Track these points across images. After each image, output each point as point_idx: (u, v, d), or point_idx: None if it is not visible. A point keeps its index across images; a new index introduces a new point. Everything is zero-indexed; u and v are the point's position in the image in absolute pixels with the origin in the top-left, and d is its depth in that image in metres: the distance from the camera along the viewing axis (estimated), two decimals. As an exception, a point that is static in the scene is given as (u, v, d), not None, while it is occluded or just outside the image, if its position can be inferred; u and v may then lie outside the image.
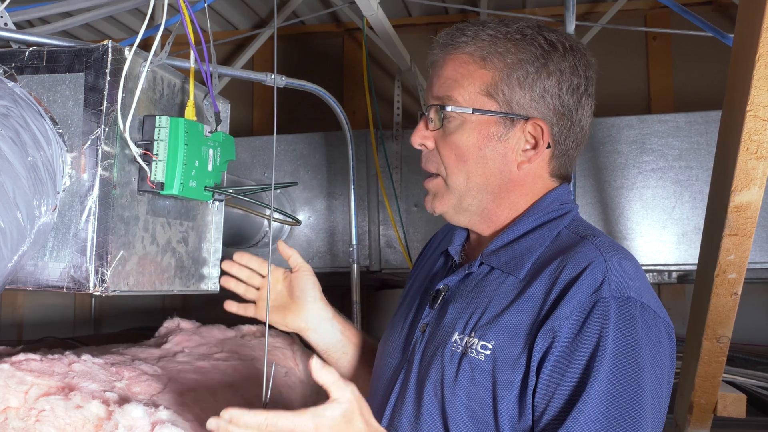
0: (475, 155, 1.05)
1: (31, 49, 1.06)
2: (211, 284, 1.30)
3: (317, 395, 1.58)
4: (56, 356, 1.21)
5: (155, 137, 1.06)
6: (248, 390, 1.36)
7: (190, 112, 1.11)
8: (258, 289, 1.29)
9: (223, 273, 1.29)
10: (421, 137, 1.10)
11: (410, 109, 2.97)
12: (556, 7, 3.10)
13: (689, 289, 2.97)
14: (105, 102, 1.01)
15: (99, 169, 1.00)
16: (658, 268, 2.37)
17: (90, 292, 1.00)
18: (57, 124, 1.03)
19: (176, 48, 1.16)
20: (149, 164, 1.05)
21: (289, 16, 3.11)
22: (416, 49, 2.55)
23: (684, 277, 2.69)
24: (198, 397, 1.25)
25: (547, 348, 0.91)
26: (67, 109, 1.03)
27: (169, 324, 1.72)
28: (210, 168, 1.14)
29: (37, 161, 0.95)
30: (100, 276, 1.00)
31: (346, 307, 1.91)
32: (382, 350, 1.20)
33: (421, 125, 1.10)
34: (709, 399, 1.61)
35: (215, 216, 1.30)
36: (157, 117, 1.06)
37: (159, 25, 1.06)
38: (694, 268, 1.55)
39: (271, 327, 1.20)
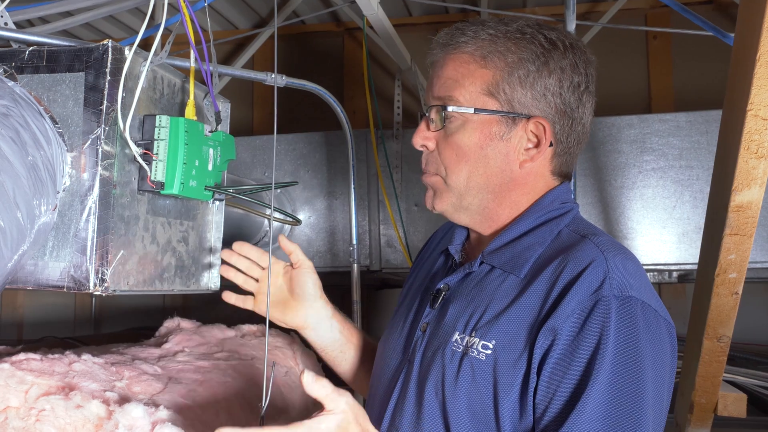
0: (477, 155, 1.05)
1: (31, 48, 1.06)
2: (211, 284, 1.29)
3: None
4: (56, 356, 1.21)
5: (155, 137, 1.05)
6: (248, 389, 1.36)
7: (190, 111, 1.10)
8: (257, 281, 1.28)
9: (222, 262, 1.28)
10: (423, 138, 1.09)
11: (410, 108, 2.97)
12: (557, 6, 3.10)
13: (690, 288, 2.96)
14: (105, 101, 1.01)
15: (99, 168, 1.00)
16: (658, 267, 2.37)
17: (90, 291, 1.00)
18: (57, 123, 1.03)
19: (176, 47, 1.16)
20: (149, 164, 1.05)
21: (290, 16, 3.11)
22: (416, 48, 2.55)
23: (684, 276, 2.69)
24: (198, 397, 1.25)
25: (548, 347, 0.91)
26: (67, 108, 1.03)
27: (169, 323, 1.72)
28: (210, 167, 1.14)
29: (37, 161, 0.95)
30: (100, 275, 1.00)
31: (347, 306, 1.91)
32: (382, 350, 1.20)
33: (422, 126, 1.09)
34: (710, 398, 1.61)
35: (215, 215, 1.30)
36: (158, 116, 1.06)
37: (159, 25, 1.06)
38: (695, 267, 1.55)
39: (271, 326, 1.19)
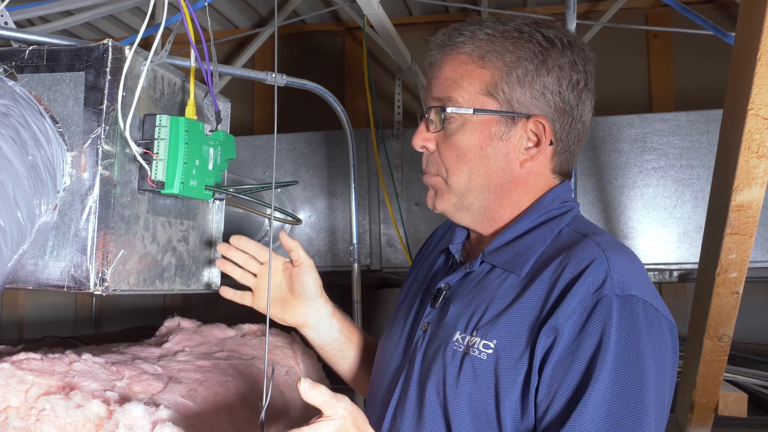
0: (477, 155, 1.04)
1: (31, 47, 1.06)
2: (212, 283, 1.29)
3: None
4: (57, 355, 1.21)
5: (156, 136, 1.05)
6: (249, 389, 1.36)
7: (190, 111, 1.10)
8: (255, 276, 1.26)
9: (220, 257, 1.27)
10: (423, 139, 1.09)
11: (411, 107, 2.97)
12: (557, 5, 3.10)
13: (690, 288, 2.97)
14: (105, 101, 1.01)
15: (99, 168, 1.00)
16: (659, 267, 2.37)
17: (90, 291, 1.00)
18: (57, 123, 1.02)
19: (177, 47, 1.16)
20: (150, 163, 1.05)
21: (290, 15, 3.11)
22: (417, 47, 2.55)
23: (685, 276, 2.69)
24: (199, 396, 1.25)
25: (549, 347, 0.91)
26: (67, 108, 1.03)
27: (169, 323, 1.72)
28: (210, 167, 1.14)
29: (37, 160, 0.95)
30: (100, 275, 1.00)
31: (347, 306, 1.91)
32: (382, 350, 1.20)
33: (421, 127, 1.09)
34: (711, 398, 1.61)
35: (216, 215, 1.30)
36: (158, 116, 1.06)
37: (159, 24, 1.06)
38: (696, 267, 1.55)
39: (271, 325, 1.19)
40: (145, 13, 1.23)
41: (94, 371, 1.19)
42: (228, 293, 1.25)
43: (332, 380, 1.57)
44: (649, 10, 3.18)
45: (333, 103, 1.95)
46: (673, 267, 2.38)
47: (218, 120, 1.16)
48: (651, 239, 2.32)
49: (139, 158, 1.04)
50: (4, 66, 1.05)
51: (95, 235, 1.00)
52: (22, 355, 1.17)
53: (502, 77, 1.02)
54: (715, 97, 2.11)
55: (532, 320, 0.94)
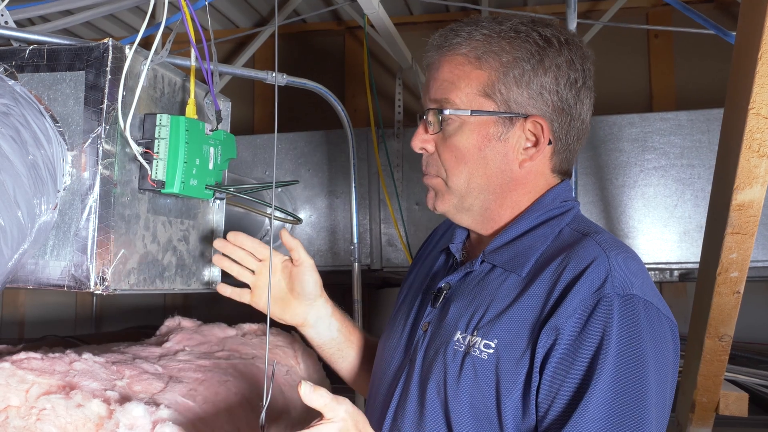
0: (476, 156, 1.04)
1: (31, 47, 1.06)
2: (212, 283, 1.29)
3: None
4: (57, 355, 1.21)
5: (156, 135, 1.05)
6: (249, 389, 1.36)
7: (190, 110, 1.10)
8: (253, 272, 1.23)
9: (216, 252, 1.25)
10: (421, 141, 1.09)
11: (411, 107, 2.97)
12: (558, 4, 3.10)
13: (691, 287, 2.97)
14: (105, 100, 1.01)
15: (100, 167, 1.00)
16: (660, 266, 2.36)
17: (91, 290, 1.00)
18: (57, 122, 1.02)
19: (177, 46, 1.16)
20: (150, 163, 1.05)
21: (290, 14, 3.11)
22: (417, 47, 2.54)
23: (686, 275, 2.69)
24: (199, 396, 1.25)
25: (550, 346, 0.91)
26: (67, 107, 1.03)
27: (170, 322, 1.72)
28: (211, 166, 1.14)
29: (37, 160, 0.95)
30: (100, 275, 1.00)
31: (348, 305, 1.91)
32: (382, 350, 1.19)
33: (420, 129, 1.09)
34: (711, 398, 1.61)
35: (216, 214, 1.30)
36: (158, 115, 1.06)
37: (160, 24, 1.06)
38: (696, 266, 1.55)
39: (271, 325, 1.19)
40: (146, 13, 1.23)
41: (95, 371, 1.19)
42: (226, 290, 1.23)
43: (333, 380, 1.57)
44: (649, 10, 3.18)
45: (333, 102, 1.95)
46: (674, 266, 2.38)
47: (219, 119, 1.16)
48: (652, 238, 2.32)
49: (140, 158, 1.04)
50: (5, 65, 1.05)
51: (95, 234, 1.00)
52: (22, 355, 1.17)
53: (499, 78, 1.02)
54: (716, 97, 2.11)
55: (533, 320, 0.94)
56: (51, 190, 0.98)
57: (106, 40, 1.02)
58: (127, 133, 1.01)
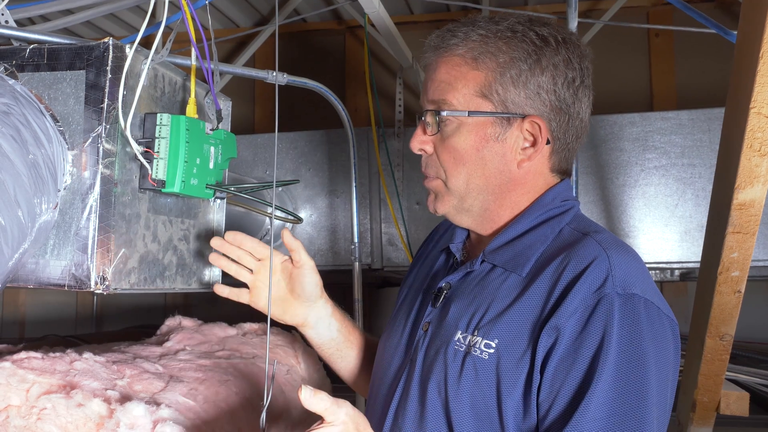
0: (474, 157, 1.04)
1: (32, 46, 1.06)
2: (212, 282, 1.29)
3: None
4: (58, 354, 1.21)
5: (156, 135, 1.05)
6: (250, 388, 1.36)
7: (191, 109, 1.10)
8: (252, 272, 1.22)
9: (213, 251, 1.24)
10: (420, 142, 1.09)
11: (412, 106, 2.97)
12: (558, 4, 3.09)
13: (692, 286, 2.96)
14: (106, 100, 1.01)
15: (100, 166, 1.00)
16: (660, 265, 2.36)
17: (91, 290, 1.00)
18: (58, 121, 1.02)
19: (177, 45, 1.16)
20: (150, 162, 1.05)
21: (291, 14, 3.11)
22: (418, 46, 2.54)
23: (687, 274, 2.69)
24: (199, 396, 1.25)
25: (551, 346, 0.91)
26: (68, 106, 1.03)
27: (170, 322, 1.72)
28: (211, 166, 1.14)
29: (38, 159, 0.95)
30: (101, 274, 1.00)
31: (348, 305, 1.91)
32: (382, 350, 1.19)
33: (419, 130, 1.09)
34: (712, 397, 1.61)
35: (216, 214, 1.30)
36: (159, 114, 1.06)
37: (160, 23, 1.06)
38: (697, 265, 1.55)
39: (272, 324, 1.18)
40: (146, 12, 1.23)
41: (95, 370, 1.19)
42: (224, 291, 1.22)
43: (333, 380, 1.57)
44: (650, 9, 3.17)
45: (334, 101, 1.95)
46: (675, 266, 2.38)
47: (219, 119, 1.16)
48: (652, 238, 2.32)
49: (140, 157, 1.04)
50: (5, 65, 1.05)
51: (96, 233, 0.99)
52: (23, 354, 1.17)
53: (496, 78, 1.02)
54: (717, 96, 2.11)
55: (533, 319, 0.94)
56: (51, 190, 0.98)
57: (106, 40, 1.02)
58: (128, 133, 1.01)
